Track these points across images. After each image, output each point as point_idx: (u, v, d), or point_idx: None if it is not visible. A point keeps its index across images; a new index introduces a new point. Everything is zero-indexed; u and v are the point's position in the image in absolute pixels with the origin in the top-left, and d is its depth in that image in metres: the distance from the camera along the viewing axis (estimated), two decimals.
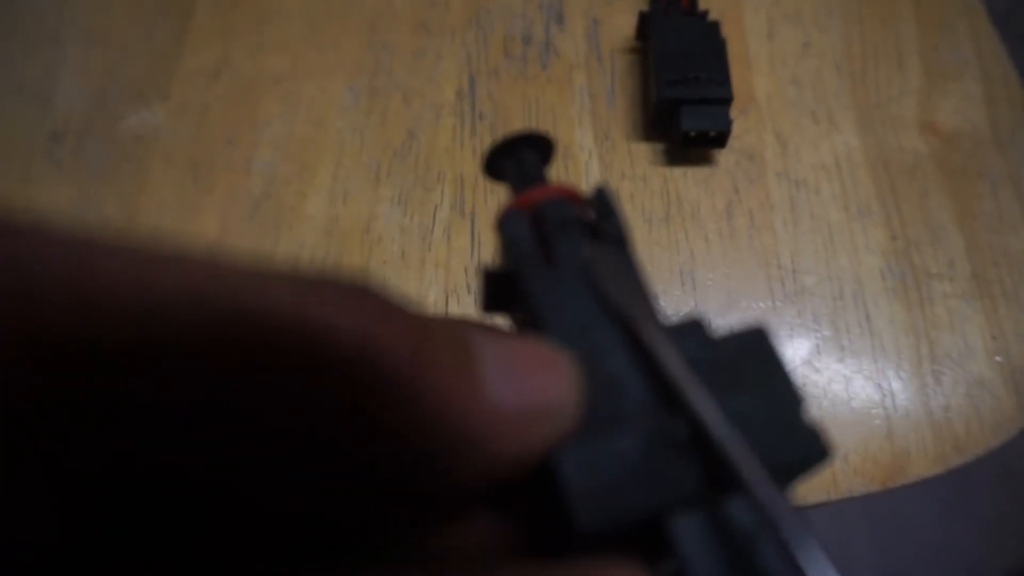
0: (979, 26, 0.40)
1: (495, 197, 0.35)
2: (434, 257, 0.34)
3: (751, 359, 0.12)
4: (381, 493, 0.10)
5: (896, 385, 0.31)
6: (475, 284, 0.33)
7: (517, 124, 0.37)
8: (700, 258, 0.34)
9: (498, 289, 0.15)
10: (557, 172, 0.35)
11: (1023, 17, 1.09)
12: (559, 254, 0.14)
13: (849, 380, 0.31)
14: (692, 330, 0.13)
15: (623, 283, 0.13)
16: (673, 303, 0.33)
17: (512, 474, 0.11)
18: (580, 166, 0.36)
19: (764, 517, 0.11)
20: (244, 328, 0.08)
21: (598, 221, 0.15)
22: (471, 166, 0.36)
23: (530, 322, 0.13)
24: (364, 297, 0.09)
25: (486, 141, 0.36)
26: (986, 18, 0.40)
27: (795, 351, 0.32)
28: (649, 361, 0.12)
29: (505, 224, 0.15)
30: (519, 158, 0.16)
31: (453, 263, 0.33)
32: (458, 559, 0.12)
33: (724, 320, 0.32)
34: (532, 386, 0.11)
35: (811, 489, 0.29)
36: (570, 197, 0.15)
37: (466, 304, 0.33)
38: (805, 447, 0.12)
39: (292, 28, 0.40)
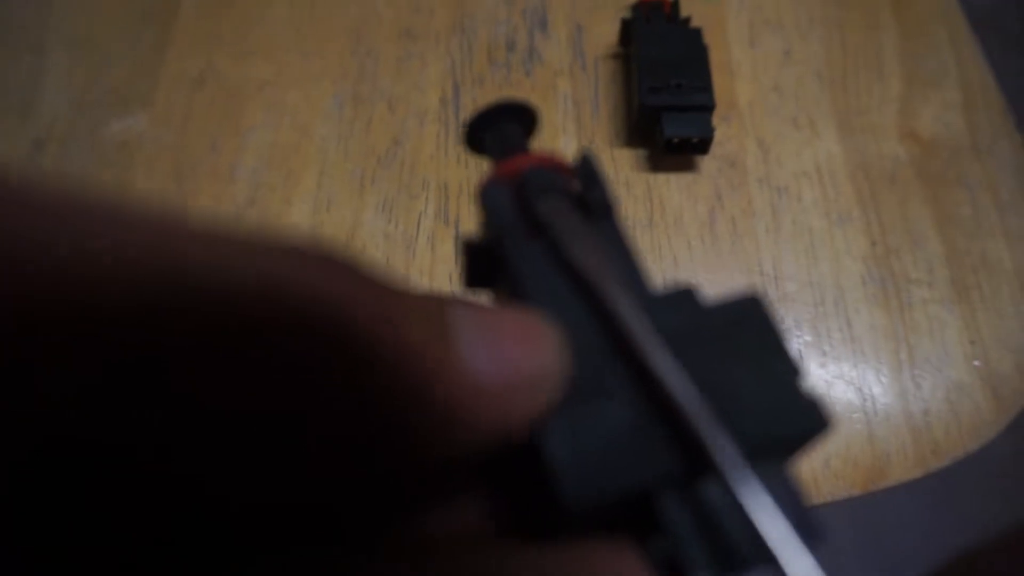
0: (958, 33, 0.40)
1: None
2: (418, 265, 0.34)
3: (745, 328, 0.12)
4: (357, 473, 0.10)
5: (876, 390, 0.31)
6: (460, 291, 0.33)
7: None
8: (683, 264, 0.34)
9: (480, 262, 0.14)
10: None
11: (1007, 14, 1.10)
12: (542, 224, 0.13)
13: (830, 385, 0.31)
14: (683, 299, 0.12)
15: (589, 246, 0.12)
16: None
17: (495, 449, 0.10)
18: None
19: (729, 492, 0.10)
20: (207, 298, 0.08)
21: (584, 190, 0.14)
22: (456, 174, 0.36)
23: (512, 294, 0.13)
24: (334, 266, 0.09)
25: None
26: (965, 24, 0.40)
27: None
28: (608, 323, 0.11)
29: (486, 195, 0.14)
30: (500, 128, 0.15)
31: (437, 271, 0.33)
32: (444, 544, 0.11)
33: None
34: (513, 356, 0.10)
35: None
36: (554, 166, 0.14)
37: None
38: (805, 418, 0.11)
39: (276, 35, 0.40)
